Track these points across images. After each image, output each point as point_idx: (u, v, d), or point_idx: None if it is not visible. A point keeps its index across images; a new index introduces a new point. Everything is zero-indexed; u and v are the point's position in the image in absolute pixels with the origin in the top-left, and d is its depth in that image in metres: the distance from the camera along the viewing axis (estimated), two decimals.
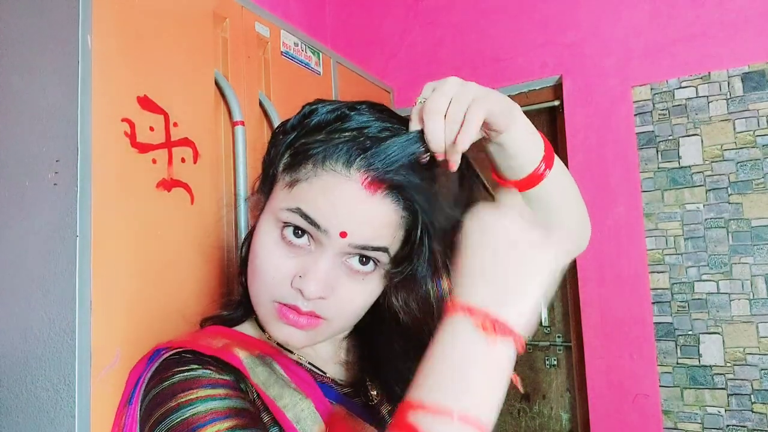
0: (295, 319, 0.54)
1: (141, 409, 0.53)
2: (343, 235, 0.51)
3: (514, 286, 0.44)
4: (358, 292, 0.55)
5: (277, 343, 0.61)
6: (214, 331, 0.62)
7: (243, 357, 0.56)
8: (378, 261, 0.54)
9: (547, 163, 0.60)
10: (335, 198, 0.51)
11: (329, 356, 0.65)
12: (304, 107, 0.57)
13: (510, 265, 0.45)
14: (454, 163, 0.51)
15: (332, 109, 0.55)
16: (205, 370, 0.52)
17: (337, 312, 0.55)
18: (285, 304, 0.54)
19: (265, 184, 0.59)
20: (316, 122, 0.55)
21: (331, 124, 0.54)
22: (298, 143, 0.55)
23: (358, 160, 0.51)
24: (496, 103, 0.51)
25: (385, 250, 0.53)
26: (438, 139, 0.50)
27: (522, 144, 0.57)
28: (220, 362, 0.54)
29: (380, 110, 0.56)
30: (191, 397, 0.49)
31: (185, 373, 0.51)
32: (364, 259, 0.54)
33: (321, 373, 0.62)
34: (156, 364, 0.54)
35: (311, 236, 0.53)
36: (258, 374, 0.56)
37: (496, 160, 0.58)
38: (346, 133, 0.52)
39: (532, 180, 0.60)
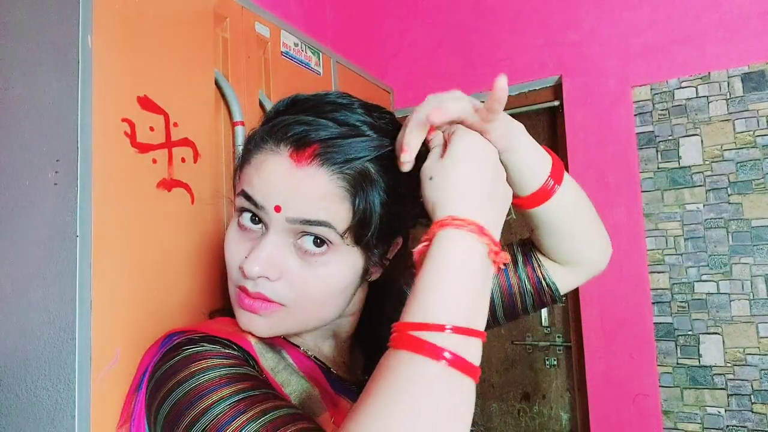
0: (250, 304, 0.54)
1: (148, 388, 0.53)
2: (278, 209, 0.51)
3: (500, 208, 0.48)
4: (311, 275, 0.53)
5: (283, 337, 0.61)
6: (225, 321, 0.62)
7: (254, 342, 0.56)
8: (328, 240, 0.52)
9: (556, 178, 0.60)
10: (266, 173, 0.52)
11: (332, 356, 0.65)
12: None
13: (499, 185, 0.49)
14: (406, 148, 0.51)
15: (291, 97, 0.57)
16: (214, 345, 0.52)
17: (294, 297, 0.53)
18: (238, 287, 0.54)
19: (235, 181, 0.60)
20: (272, 112, 0.57)
21: (283, 112, 0.55)
22: (252, 134, 0.57)
23: (285, 133, 0.52)
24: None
25: (327, 224, 0.51)
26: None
27: (524, 161, 0.58)
28: (231, 344, 0.54)
29: (338, 96, 0.56)
30: (201, 366, 0.49)
31: (193, 348, 0.52)
32: (319, 241, 0.52)
33: (327, 367, 0.62)
34: (166, 348, 0.55)
35: (261, 220, 0.54)
36: (267, 359, 0.56)
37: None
38: (290, 115, 0.53)
39: (541, 196, 0.60)
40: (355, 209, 0.52)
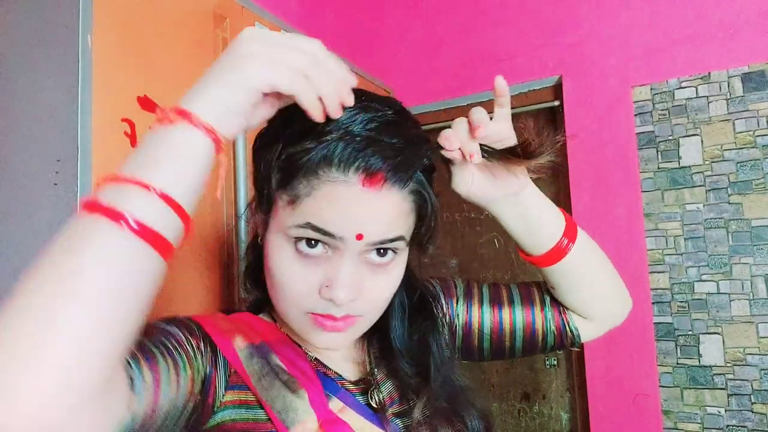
0: (333, 325, 0.56)
1: None
2: (360, 237, 0.52)
3: (212, 86, 0.45)
4: (384, 283, 0.57)
5: (286, 335, 0.62)
6: (241, 317, 0.64)
7: (240, 348, 0.57)
8: (396, 249, 0.56)
9: (570, 236, 0.65)
10: (341, 205, 0.51)
11: (341, 353, 0.65)
12: (277, 115, 0.51)
13: (221, 68, 0.45)
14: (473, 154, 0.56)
15: None
16: (183, 320, 0.56)
17: (370, 307, 0.57)
18: (319, 314, 0.55)
19: (263, 203, 0.57)
20: (297, 129, 0.52)
21: (314, 129, 0.51)
22: (285, 155, 0.53)
23: (351, 161, 0.50)
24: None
25: (401, 238, 0.55)
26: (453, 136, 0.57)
27: (541, 208, 0.63)
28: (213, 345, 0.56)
29: (359, 97, 0.54)
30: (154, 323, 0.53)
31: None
32: (382, 251, 0.55)
33: (325, 367, 0.62)
34: None
35: (326, 243, 0.53)
36: (252, 365, 0.57)
37: (521, 233, 0.65)
38: (333, 135, 0.51)
39: (555, 254, 0.65)
40: (422, 216, 0.57)
